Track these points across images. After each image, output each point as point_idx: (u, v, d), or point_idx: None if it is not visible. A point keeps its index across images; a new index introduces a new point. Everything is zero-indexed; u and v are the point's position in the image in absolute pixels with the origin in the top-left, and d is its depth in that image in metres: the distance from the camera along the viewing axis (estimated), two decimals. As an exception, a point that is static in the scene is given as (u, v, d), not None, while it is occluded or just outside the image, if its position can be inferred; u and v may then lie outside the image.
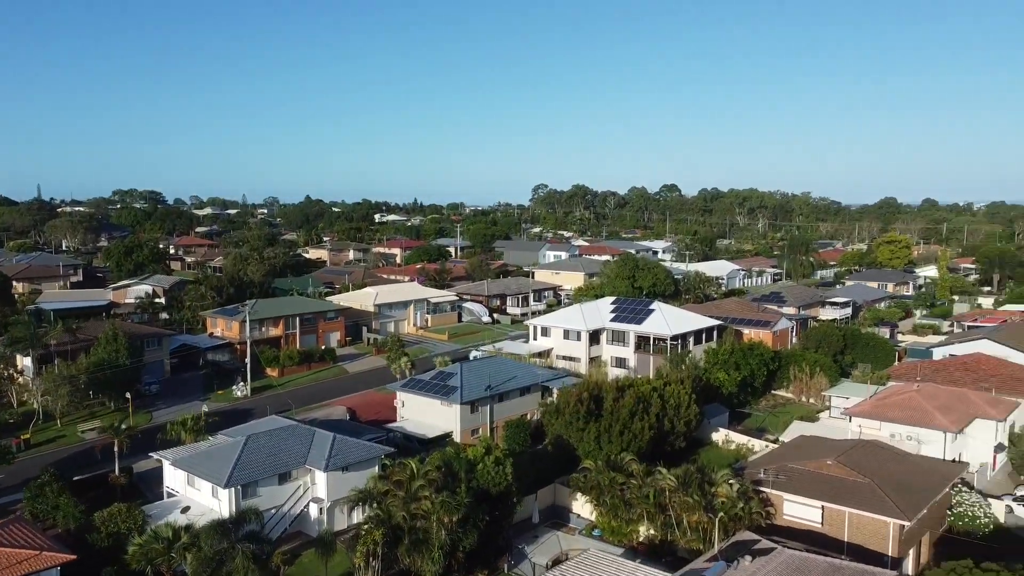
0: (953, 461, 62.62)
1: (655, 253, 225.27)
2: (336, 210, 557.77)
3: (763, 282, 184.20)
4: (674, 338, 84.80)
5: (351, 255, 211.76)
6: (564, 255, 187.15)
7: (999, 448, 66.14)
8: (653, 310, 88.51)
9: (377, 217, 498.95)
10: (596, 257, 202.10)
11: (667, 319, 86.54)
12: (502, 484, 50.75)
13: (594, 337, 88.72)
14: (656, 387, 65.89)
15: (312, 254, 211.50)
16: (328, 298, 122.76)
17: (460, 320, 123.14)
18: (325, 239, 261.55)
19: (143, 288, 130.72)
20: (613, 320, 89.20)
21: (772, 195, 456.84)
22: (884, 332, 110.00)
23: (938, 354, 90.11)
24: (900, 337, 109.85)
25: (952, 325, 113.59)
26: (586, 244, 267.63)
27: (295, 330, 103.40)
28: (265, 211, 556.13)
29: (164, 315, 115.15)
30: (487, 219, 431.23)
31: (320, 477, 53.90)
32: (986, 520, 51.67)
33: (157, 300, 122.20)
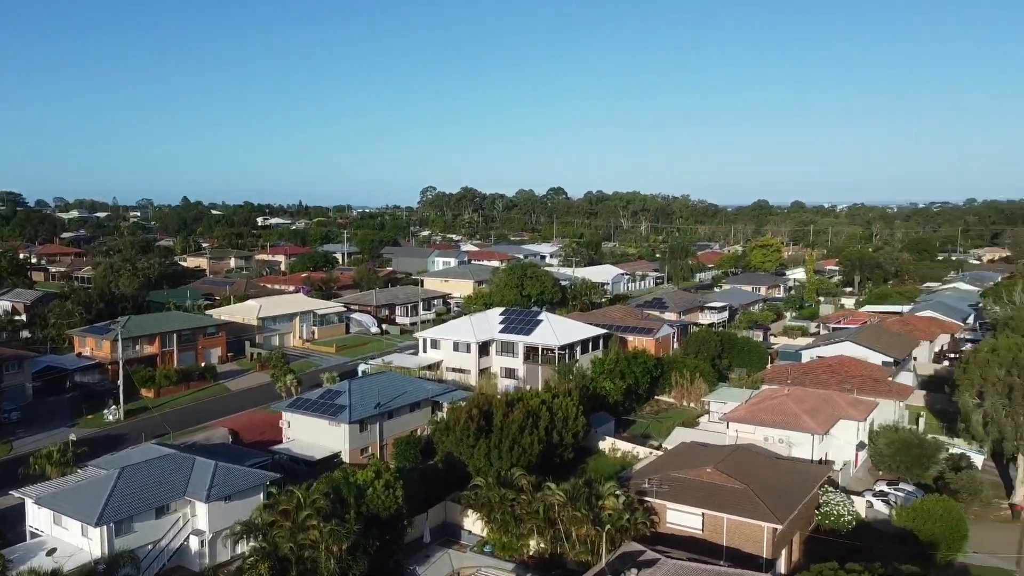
0: (820, 461, 66.79)
1: (543, 258, 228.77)
2: (216, 213, 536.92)
3: (646, 285, 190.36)
4: (562, 348, 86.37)
5: (232, 263, 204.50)
6: (453, 262, 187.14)
7: (860, 446, 70.88)
8: (541, 320, 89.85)
9: (260, 220, 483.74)
10: (485, 263, 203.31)
11: (555, 329, 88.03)
12: (392, 508, 50.37)
13: (484, 348, 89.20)
14: (545, 400, 66.91)
15: (190, 262, 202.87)
16: (208, 312, 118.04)
17: (348, 331, 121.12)
18: (204, 245, 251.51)
19: (1, 304, 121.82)
20: (502, 331, 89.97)
21: (654, 198, 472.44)
22: (758, 335, 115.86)
23: (806, 356, 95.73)
24: (772, 339, 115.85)
25: (819, 326, 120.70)
26: (475, 249, 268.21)
27: (172, 347, 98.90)
28: (138, 214, 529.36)
29: (25, 334, 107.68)
30: (374, 222, 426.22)
31: (201, 508, 51.79)
32: (849, 518, 55.23)
33: (17, 317, 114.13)
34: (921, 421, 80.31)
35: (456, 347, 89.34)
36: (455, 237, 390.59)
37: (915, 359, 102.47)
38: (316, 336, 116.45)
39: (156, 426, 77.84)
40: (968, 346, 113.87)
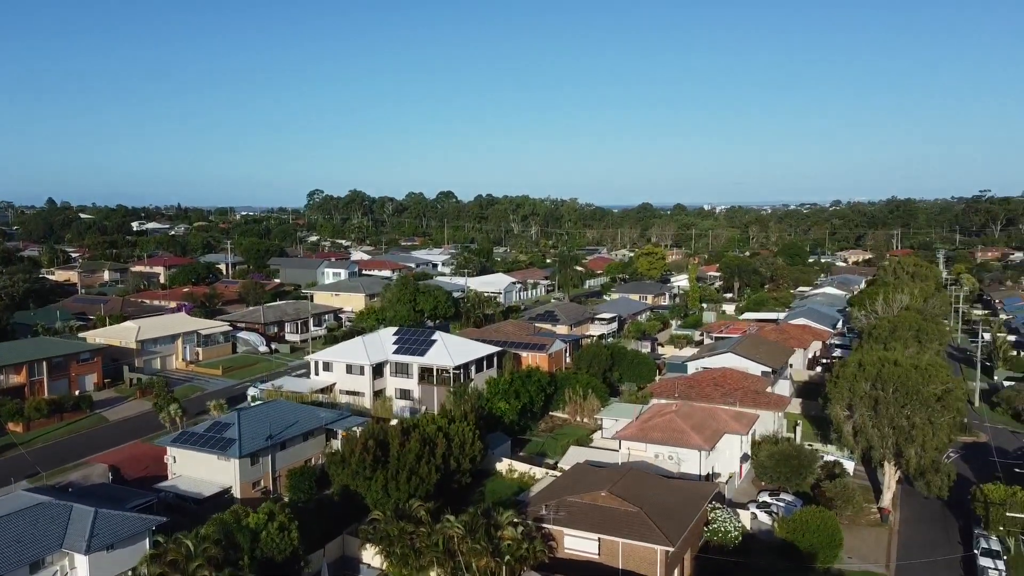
0: (708, 475, 69.78)
1: (434, 266, 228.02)
2: (86, 217, 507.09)
3: (538, 293, 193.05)
4: (457, 368, 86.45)
5: (106, 276, 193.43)
6: (344, 273, 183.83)
7: (744, 458, 74.50)
8: (435, 340, 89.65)
9: (136, 225, 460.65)
10: (376, 273, 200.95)
11: (449, 349, 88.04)
12: (288, 550, 49.21)
13: (378, 370, 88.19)
14: (441, 426, 66.86)
15: (59, 276, 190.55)
16: (82, 334, 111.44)
17: (235, 351, 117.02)
18: (74, 256, 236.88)
19: None
20: (396, 352, 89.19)
21: (543, 202, 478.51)
22: (646, 346, 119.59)
23: (692, 367, 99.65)
24: (660, 349, 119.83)
25: (703, 335, 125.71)
26: (367, 258, 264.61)
27: (42, 376, 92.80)
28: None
29: None
30: (260, 227, 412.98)
31: (81, 561, 49.09)
32: (736, 534, 57.89)
33: None
34: (798, 430, 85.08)
35: (349, 369, 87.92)
36: (344, 243, 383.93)
37: (791, 366, 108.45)
38: (201, 357, 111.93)
39: (26, 466, 72.90)
40: (838, 352, 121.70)
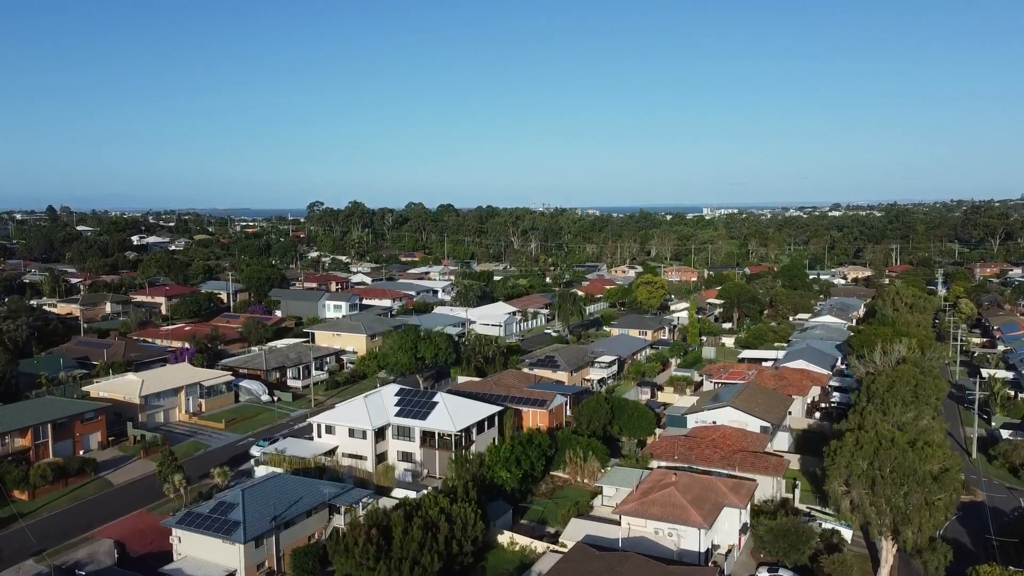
0: (707, 551, 70.61)
1: (435, 292, 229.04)
2: (84, 229, 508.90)
3: (538, 323, 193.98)
4: (459, 432, 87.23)
5: (108, 308, 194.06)
6: (344, 306, 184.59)
7: (743, 529, 75.30)
8: (437, 403, 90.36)
9: (136, 239, 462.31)
10: (377, 303, 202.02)
11: (451, 412, 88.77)
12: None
13: (380, 433, 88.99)
14: (444, 507, 67.64)
15: (61, 308, 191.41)
16: (85, 387, 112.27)
17: (237, 400, 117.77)
18: (75, 282, 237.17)
19: None
20: (398, 415, 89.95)
21: (542, 214, 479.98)
22: (646, 392, 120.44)
23: (691, 421, 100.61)
24: (660, 395, 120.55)
25: (702, 377, 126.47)
26: (368, 282, 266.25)
27: (47, 438, 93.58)
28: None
29: None
30: (259, 242, 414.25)
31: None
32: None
33: None
34: (797, 491, 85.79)
35: (352, 433, 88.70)
36: (344, 259, 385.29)
37: (790, 413, 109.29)
38: (203, 409, 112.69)
39: (28, 542, 73.45)
40: (836, 396, 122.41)
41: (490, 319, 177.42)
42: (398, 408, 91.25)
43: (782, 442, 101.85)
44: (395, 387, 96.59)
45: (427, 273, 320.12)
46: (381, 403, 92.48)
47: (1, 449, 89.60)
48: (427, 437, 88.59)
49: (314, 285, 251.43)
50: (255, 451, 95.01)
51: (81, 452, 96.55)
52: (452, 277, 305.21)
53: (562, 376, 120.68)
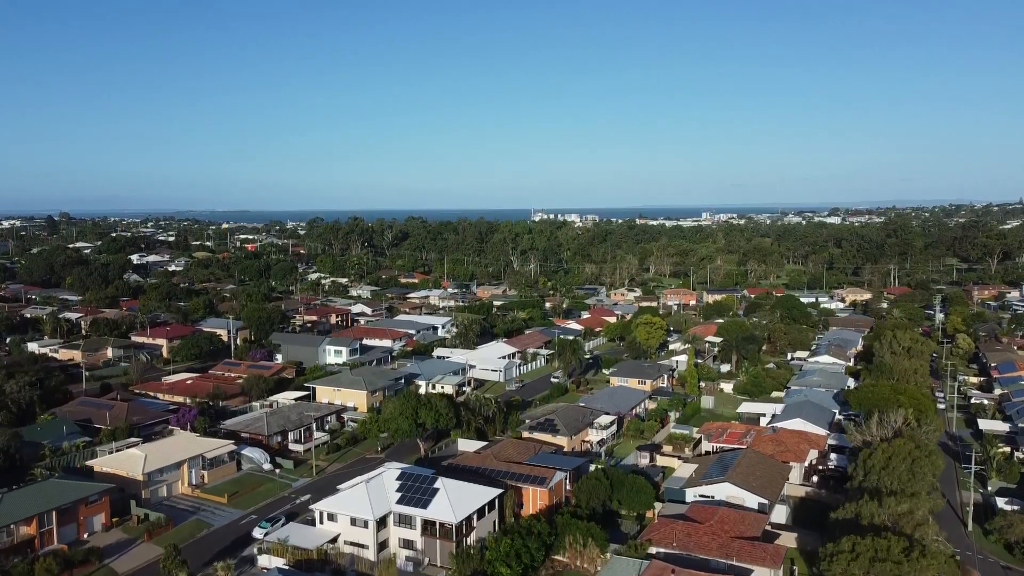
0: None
1: (435, 329, 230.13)
2: (84, 248, 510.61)
3: (538, 364, 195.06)
4: (460, 522, 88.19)
5: (110, 353, 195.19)
6: (345, 351, 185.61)
7: (740, 629, 76.29)
8: (438, 489, 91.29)
9: (135, 258, 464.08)
10: (378, 343, 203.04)
11: (451, 500, 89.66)
12: None
13: (382, 520, 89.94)
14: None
15: (63, 354, 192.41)
16: (90, 461, 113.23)
17: (239, 468, 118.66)
18: (75, 317, 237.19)
19: None
20: (399, 502, 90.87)
21: (542, 232, 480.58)
22: (645, 457, 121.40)
23: (689, 495, 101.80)
24: (659, 459, 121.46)
25: (700, 438, 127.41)
26: (367, 314, 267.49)
27: (52, 525, 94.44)
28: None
29: None
30: (259, 263, 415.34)
31: None
32: None
33: None
34: (795, 572, 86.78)
35: (353, 522, 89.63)
36: (344, 281, 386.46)
37: (788, 480, 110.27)
38: (206, 480, 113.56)
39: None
40: (833, 459, 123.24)
41: (489, 364, 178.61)
42: (399, 494, 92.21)
43: (780, 515, 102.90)
44: (396, 470, 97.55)
45: (427, 297, 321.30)
46: (383, 488, 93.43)
47: (7, 540, 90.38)
48: (428, 526, 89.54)
49: (315, 318, 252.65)
50: (258, 533, 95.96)
51: (85, 535, 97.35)
52: (452, 301, 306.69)
53: (562, 440, 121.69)
